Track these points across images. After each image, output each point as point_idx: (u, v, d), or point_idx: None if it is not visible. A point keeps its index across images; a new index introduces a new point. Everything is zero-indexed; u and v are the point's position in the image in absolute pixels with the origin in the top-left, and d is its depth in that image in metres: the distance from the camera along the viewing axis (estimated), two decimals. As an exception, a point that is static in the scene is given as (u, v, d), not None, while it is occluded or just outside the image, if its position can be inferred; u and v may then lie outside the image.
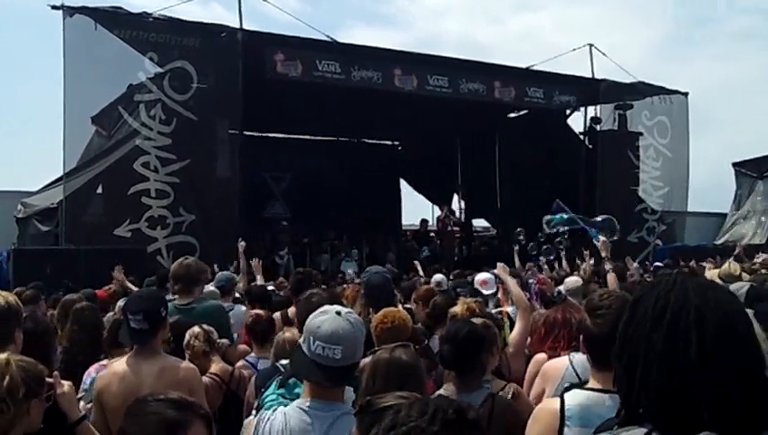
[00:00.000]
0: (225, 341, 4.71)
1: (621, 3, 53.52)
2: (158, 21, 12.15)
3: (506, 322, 4.66)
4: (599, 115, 17.63)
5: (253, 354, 4.74)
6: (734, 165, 21.93)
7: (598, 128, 17.54)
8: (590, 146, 17.51)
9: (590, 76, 16.63)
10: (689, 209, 19.02)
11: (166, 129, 12.00)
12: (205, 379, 3.93)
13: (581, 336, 2.74)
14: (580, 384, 2.65)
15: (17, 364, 2.40)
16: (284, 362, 3.40)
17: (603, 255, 5.27)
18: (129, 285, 7.44)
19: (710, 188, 30.28)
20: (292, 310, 5.16)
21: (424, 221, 20.49)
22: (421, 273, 9.91)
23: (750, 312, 1.48)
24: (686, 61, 48.40)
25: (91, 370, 3.98)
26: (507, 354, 4.13)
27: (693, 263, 11.71)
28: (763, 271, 8.35)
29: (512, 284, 5.04)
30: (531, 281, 7.01)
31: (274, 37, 13.33)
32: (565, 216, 8.13)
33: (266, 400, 2.77)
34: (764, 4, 41.77)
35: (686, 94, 18.50)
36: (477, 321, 3.56)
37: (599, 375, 2.54)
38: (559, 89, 16.33)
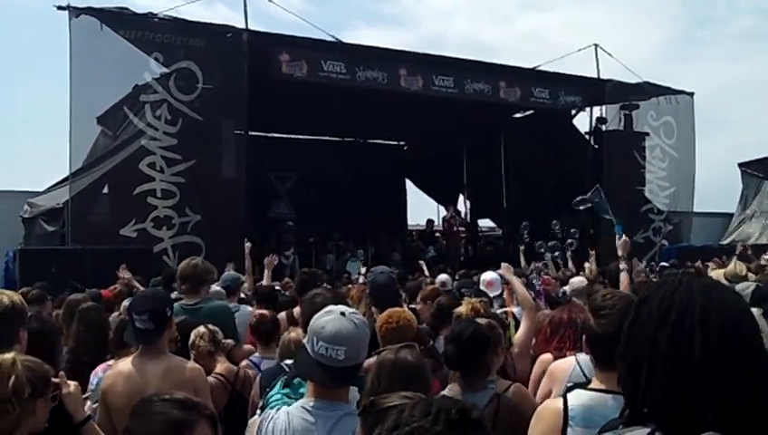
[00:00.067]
0: (230, 341, 4.72)
1: (627, 3, 53.42)
2: (164, 21, 12.19)
3: (511, 322, 4.64)
4: (604, 115, 17.57)
5: (257, 354, 4.75)
6: (740, 165, 21.89)
7: (603, 128, 17.47)
8: (596, 146, 17.42)
9: (596, 76, 16.57)
10: (695, 210, 18.91)
11: (171, 129, 12.00)
12: (210, 379, 3.93)
13: (584, 336, 2.72)
14: (583, 384, 2.64)
15: (23, 364, 2.40)
16: (289, 361, 3.40)
17: (620, 253, 5.21)
18: (136, 283, 7.45)
19: (716, 188, 30.19)
20: (297, 310, 5.15)
21: (429, 221, 20.49)
22: (427, 273, 9.91)
23: (756, 312, 1.48)
24: (692, 61, 48.32)
25: (98, 370, 3.99)
26: (512, 354, 4.11)
27: (699, 263, 11.68)
28: (770, 270, 8.31)
29: (517, 283, 5.03)
30: (535, 281, 6.99)
31: (280, 38, 13.35)
32: (597, 200, 8.05)
33: (271, 399, 2.76)
34: (770, 5, 41.60)
35: (691, 94, 18.42)
36: (482, 321, 3.54)
37: (602, 375, 2.53)
38: (564, 89, 16.28)
